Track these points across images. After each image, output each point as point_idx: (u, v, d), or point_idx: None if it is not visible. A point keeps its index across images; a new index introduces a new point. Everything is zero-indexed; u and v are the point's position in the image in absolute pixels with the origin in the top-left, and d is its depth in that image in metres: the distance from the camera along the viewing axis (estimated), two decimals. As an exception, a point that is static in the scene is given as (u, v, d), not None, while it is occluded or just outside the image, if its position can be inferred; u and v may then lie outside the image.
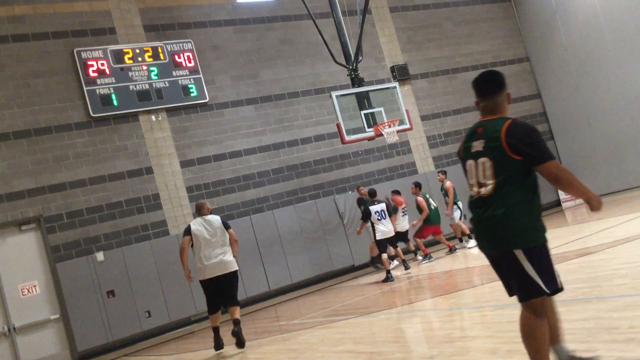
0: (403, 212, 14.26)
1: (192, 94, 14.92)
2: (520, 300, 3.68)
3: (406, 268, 13.16)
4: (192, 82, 14.95)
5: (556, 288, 3.61)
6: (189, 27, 15.41)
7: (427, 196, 14.61)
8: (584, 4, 18.74)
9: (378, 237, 12.81)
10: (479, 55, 19.78)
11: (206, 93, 15.10)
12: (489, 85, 3.97)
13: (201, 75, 15.09)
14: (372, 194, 13.43)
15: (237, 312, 8.61)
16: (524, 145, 3.54)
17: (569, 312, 5.64)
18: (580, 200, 20.01)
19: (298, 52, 16.71)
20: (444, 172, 15.09)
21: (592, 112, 18.85)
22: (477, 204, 3.77)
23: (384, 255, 12.68)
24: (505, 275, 3.80)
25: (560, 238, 11.31)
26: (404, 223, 14.21)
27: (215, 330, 8.80)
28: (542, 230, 3.64)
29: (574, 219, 15.86)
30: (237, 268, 8.81)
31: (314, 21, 14.20)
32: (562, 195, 19.62)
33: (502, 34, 20.51)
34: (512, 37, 20.71)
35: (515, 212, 3.54)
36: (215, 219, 8.94)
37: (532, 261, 3.52)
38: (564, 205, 19.46)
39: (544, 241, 3.61)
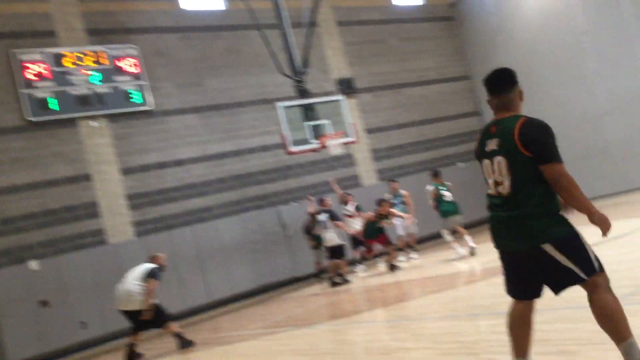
0: (349, 212, 14.21)
1: (135, 100, 14.65)
2: (557, 293, 3.63)
3: (345, 281, 13.10)
4: (136, 88, 14.69)
5: (594, 271, 3.52)
6: (133, 32, 15.16)
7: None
8: (525, 25, 19.42)
9: (328, 245, 13.11)
10: (423, 71, 20.19)
11: (150, 100, 14.86)
12: (501, 82, 3.90)
13: (145, 82, 14.85)
14: (319, 201, 13.68)
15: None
16: (533, 144, 3.51)
17: (502, 324, 5.77)
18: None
19: (245, 62, 16.66)
20: (397, 181, 15.16)
21: (530, 130, 19.45)
22: (496, 203, 3.74)
23: (337, 262, 13.06)
24: (524, 275, 3.71)
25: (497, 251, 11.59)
26: (355, 226, 14.09)
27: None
28: (565, 221, 3.59)
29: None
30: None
31: (261, 32, 14.20)
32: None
33: (446, 52, 21.02)
34: (456, 55, 21.25)
35: (536, 209, 3.51)
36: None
37: (565, 251, 3.48)
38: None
39: (570, 229, 3.57)
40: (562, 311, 5.64)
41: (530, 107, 20.72)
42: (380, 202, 13.20)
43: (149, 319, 9.23)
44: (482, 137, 3.87)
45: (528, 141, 3.52)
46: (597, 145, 17.91)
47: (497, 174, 3.69)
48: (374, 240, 13.25)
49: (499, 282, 8.12)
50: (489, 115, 23.26)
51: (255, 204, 16.01)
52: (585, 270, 3.50)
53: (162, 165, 14.90)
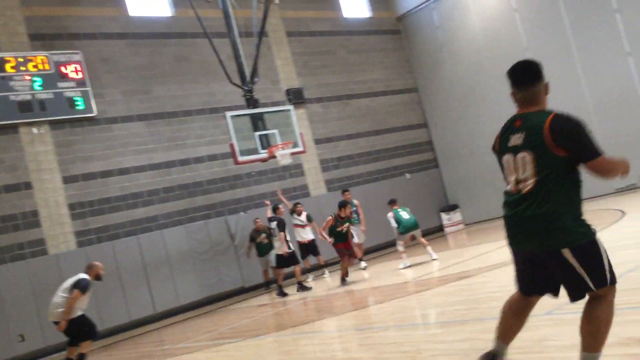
0: (300, 222, 14.11)
1: (78, 107, 14.31)
2: (573, 300, 3.47)
3: (282, 294, 12.95)
4: (79, 94, 14.35)
5: (605, 285, 3.38)
6: (78, 38, 14.84)
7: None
8: (469, 40, 19.93)
9: (277, 252, 13.30)
10: (371, 83, 20.45)
11: (94, 107, 14.54)
12: (526, 75, 3.66)
13: (89, 88, 14.53)
14: (274, 209, 13.67)
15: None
16: (570, 141, 3.29)
17: (447, 333, 5.88)
18: (461, 226, 20.96)
19: (193, 70, 16.52)
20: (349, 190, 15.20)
21: (474, 142, 19.97)
22: (516, 202, 3.52)
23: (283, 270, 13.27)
24: (538, 275, 3.59)
25: (441, 261, 11.80)
26: (304, 235, 14.06)
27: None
28: (587, 226, 3.40)
29: (455, 243, 16.62)
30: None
31: (210, 40, 14.10)
32: (445, 220, 20.57)
33: (393, 65, 21.35)
34: (403, 68, 21.61)
35: (559, 210, 3.34)
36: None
37: (580, 259, 3.33)
38: (446, 230, 20.38)
39: (591, 236, 3.38)
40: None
41: (475, 120, 21.20)
42: (343, 204, 12.81)
43: (62, 330, 8.75)
44: (504, 131, 3.71)
45: (562, 138, 3.31)
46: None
47: (520, 170, 3.49)
48: (343, 245, 12.58)
49: (445, 291, 8.27)
50: (436, 127, 23.89)
51: (202, 213, 15.84)
52: (596, 281, 3.36)
53: (106, 174, 14.58)
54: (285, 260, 13.16)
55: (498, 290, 7.54)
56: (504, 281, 8.04)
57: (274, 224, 13.51)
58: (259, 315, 11.36)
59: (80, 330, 8.88)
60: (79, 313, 8.87)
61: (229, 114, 13.70)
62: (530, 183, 3.42)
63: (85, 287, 8.75)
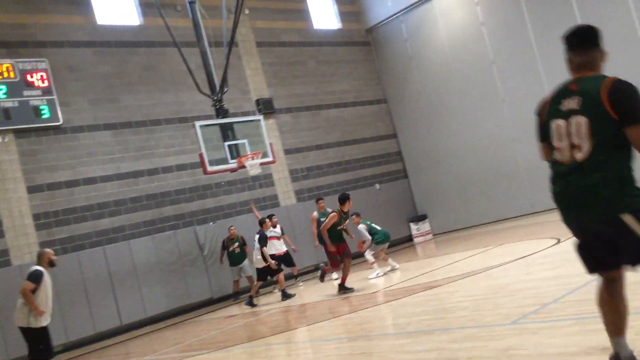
0: (276, 233, 14.01)
1: (44, 116, 14.08)
2: (634, 264, 3.34)
3: (251, 305, 12.90)
4: (45, 103, 14.13)
5: None
6: (44, 45, 14.62)
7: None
8: (436, 52, 20.20)
9: (257, 266, 13.26)
10: (340, 94, 20.56)
11: (60, 115, 14.32)
12: (584, 39, 3.55)
13: (55, 97, 14.31)
14: (260, 223, 13.58)
15: None
16: (622, 103, 3.22)
17: (414, 343, 5.92)
18: (429, 236, 21.05)
19: (162, 79, 16.40)
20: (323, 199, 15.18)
21: (443, 153, 20.20)
22: (569, 170, 3.38)
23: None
24: (599, 247, 3.45)
25: (409, 271, 11.88)
26: (279, 247, 13.99)
27: None
28: None
29: (424, 253, 16.74)
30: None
31: (179, 49, 14.02)
32: (414, 230, 20.72)
33: (363, 76, 21.51)
34: (372, 79, 21.78)
35: (617, 175, 3.25)
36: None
37: None
38: (415, 240, 20.52)
39: None
40: (469, 330, 5.84)
41: (443, 131, 21.41)
42: (345, 197, 11.91)
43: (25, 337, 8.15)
44: (556, 95, 3.55)
45: (618, 101, 3.23)
46: (506, 169, 18.77)
47: (574, 135, 3.35)
48: (340, 246, 11.65)
49: (413, 301, 8.31)
50: (405, 138, 24.04)
51: (171, 224, 15.68)
52: None
53: (71, 184, 14.36)
54: (267, 272, 13.04)
55: (464, 300, 7.62)
56: (470, 291, 8.14)
57: (256, 237, 13.37)
58: (228, 326, 11.27)
59: (35, 345, 8.23)
60: (43, 323, 8.22)
61: (198, 123, 13.62)
62: (586, 149, 3.31)
63: (37, 277, 8.07)
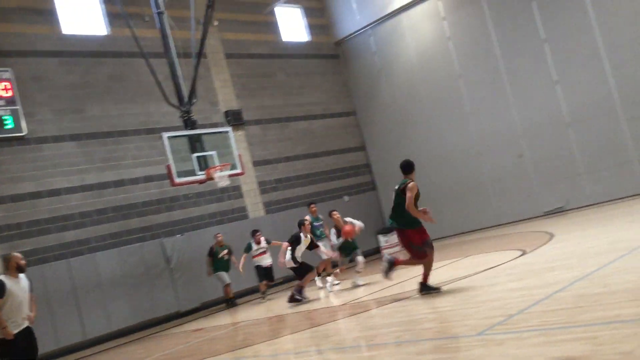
0: (261, 249, 14.57)
1: (7, 126, 13.78)
2: None
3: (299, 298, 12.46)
4: (9, 113, 13.84)
5: None
6: (8, 55, 14.37)
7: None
8: (405, 65, 20.43)
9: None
10: (309, 106, 20.62)
11: (24, 126, 14.02)
12: None
13: (19, 107, 14.02)
14: (299, 224, 13.44)
15: None
16: None
17: (382, 355, 5.92)
18: (397, 248, 21.22)
19: (129, 90, 16.24)
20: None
21: (411, 166, 20.33)
22: None
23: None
24: None
25: (377, 284, 11.90)
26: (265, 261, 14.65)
27: None
28: None
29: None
30: None
31: (146, 60, 13.91)
32: (382, 242, 20.78)
33: (332, 88, 21.62)
34: (341, 92, 21.91)
35: None
36: (25, 280, 7.89)
37: None
38: (383, 252, 20.56)
39: None
40: (437, 341, 5.87)
41: (411, 143, 21.58)
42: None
43: None
44: None
45: None
46: (472, 182, 19.02)
47: None
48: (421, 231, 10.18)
49: (380, 313, 8.31)
50: (374, 150, 24.24)
51: (137, 236, 15.47)
52: None
53: (35, 195, 14.08)
54: (300, 270, 12.62)
55: (432, 312, 7.67)
56: (438, 302, 8.19)
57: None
58: (194, 340, 11.13)
59: (4, 354, 7.92)
60: (15, 330, 7.56)
61: (165, 134, 13.50)
62: None
63: (2, 288, 7.28)
